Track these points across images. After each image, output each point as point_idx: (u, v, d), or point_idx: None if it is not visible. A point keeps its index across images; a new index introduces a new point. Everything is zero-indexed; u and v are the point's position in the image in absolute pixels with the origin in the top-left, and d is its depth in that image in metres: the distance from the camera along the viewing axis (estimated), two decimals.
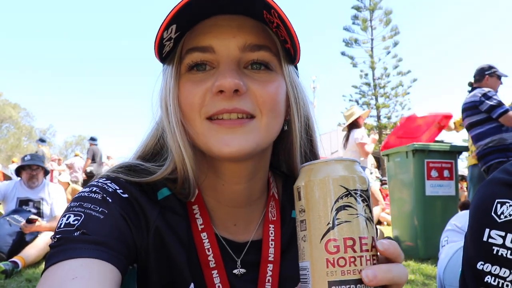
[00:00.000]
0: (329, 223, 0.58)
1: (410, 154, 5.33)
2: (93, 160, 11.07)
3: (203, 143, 0.78)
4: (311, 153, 0.95)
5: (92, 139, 11.80)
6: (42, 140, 12.58)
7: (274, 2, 0.70)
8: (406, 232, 5.51)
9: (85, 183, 10.10)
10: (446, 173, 5.36)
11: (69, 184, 8.98)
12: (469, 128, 5.01)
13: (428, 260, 4.87)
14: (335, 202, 0.58)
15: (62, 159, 16.78)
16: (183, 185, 0.84)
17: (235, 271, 0.87)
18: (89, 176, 10.59)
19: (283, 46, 0.80)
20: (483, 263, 1.21)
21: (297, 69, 0.89)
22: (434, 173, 5.30)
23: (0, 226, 4.41)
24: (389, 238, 5.73)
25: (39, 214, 5.03)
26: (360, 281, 0.56)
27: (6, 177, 11.83)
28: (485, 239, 1.21)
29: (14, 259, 4.12)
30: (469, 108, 4.90)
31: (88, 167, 10.91)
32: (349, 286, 0.56)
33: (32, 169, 5.12)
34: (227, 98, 0.74)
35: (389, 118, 22.39)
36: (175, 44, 0.80)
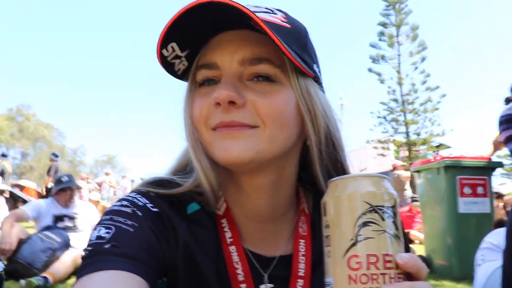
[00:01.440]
0: (352, 239, 0.57)
1: (442, 170, 5.21)
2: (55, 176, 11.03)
3: (211, 153, 0.80)
4: (336, 168, 0.91)
5: (54, 155, 12.14)
6: (3, 155, 12.43)
7: (253, 13, 0.69)
8: (439, 251, 5.36)
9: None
10: (480, 190, 5.21)
11: (99, 202, 9.15)
12: (506, 141, 4.83)
13: (463, 279, 4.71)
14: (358, 218, 0.57)
15: (90, 178, 17.11)
16: (210, 197, 0.85)
17: (261, 286, 0.86)
18: (49, 191, 10.40)
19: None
20: None
21: (319, 83, 0.87)
22: (467, 190, 5.16)
23: (33, 243, 4.54)
24: (421, 256, 5.58)
25: (74, 227, 5.22)
26: None
27: (40, 195, 12.11)
28: None
29: (45, 274, 4.25)
30: (506, 121, 4.72)
31: (50, 183, 10.77)
32: None
33: (72, 190, 5.35)
34: (224, 110, 0.75)
35: (418, 134, 21.86)
36: (191, 61, 0.83)
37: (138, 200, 0.81)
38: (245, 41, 0.77)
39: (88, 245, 0.73)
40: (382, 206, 0.58)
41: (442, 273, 5.07)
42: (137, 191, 0.85)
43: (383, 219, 0.57)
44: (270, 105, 0.76)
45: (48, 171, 11.67)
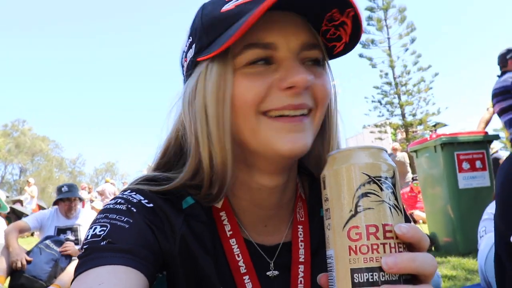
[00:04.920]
0: (351, 210, 0.57)
1: (439, 148, 5.23)
2: None
3: (260, 141, 0.77)
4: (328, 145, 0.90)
5: None
6: None
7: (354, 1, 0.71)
8: (442, 228, 5.38)
9: None
10: (478, 164, 5.23)
11: None
12: (500, 113, 4.83)
13: (469, 254, 4.73)
14: (357, 190, 0.57)
15: (92, 187, 17.11)
16: (209, 189, 0.82)
17: (268, 273, 0.86)
18: None
19: (324, 43, 0.82)
20: None
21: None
22: (465, 165, 5.18)
23: (34, 255, 4.49)
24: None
25: (76, 240, 5.12)
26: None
27: (42, 209, 12.13)
28: None
29: (51, 287, 4.23)
30: (500, 93, 4.72)
31: None
32: (372, 273, 0.53)
33: (70, 200, 5.22)
34: (295, 94, 0.75)
35: (414, 115, 21.91)
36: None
37: (133, 197, 0.81)
38: (299, 25, 0.77)
39: (84, 244, 0.73)
40: (381, 177, 0.58)
41: (447, 250, 5.10)
42: (131, 189, 0.84)
43: (382, 190, 0.57)
44: (324, 87, 0.79)
45: None
